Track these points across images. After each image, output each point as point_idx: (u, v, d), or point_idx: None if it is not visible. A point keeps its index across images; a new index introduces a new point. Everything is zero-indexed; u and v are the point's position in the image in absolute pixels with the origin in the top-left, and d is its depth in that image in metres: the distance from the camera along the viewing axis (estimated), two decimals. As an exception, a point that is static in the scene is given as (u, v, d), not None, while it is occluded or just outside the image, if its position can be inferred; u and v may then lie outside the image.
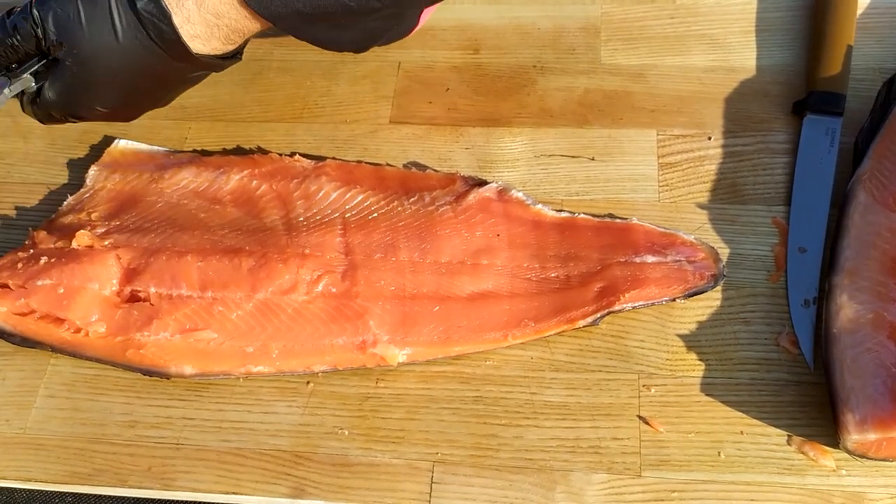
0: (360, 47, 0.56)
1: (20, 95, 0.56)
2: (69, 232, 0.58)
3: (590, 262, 0.56)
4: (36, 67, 0.53)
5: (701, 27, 0.69)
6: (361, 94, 0.68)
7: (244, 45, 0.54)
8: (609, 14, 0.70)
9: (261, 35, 0.71)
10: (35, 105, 0.56)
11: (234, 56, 0.54)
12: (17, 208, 0.64)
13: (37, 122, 0.61)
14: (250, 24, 0.50)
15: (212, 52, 0.51)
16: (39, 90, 0.54)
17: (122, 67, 0.51)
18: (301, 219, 0.59)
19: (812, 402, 0.51)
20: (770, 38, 0.67)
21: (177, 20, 0.49)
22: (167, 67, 0.51)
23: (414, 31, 0.59)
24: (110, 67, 0.51)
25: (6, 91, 0.54)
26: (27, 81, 0.54)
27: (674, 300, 0.55)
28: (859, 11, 0.66)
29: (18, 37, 0.51)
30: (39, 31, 0.50)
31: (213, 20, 0.49)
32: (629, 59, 0.67)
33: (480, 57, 0.69)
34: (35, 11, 0.50)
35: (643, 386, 0.53)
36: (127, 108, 0.55)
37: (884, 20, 0.67)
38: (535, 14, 0.71)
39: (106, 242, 0.58)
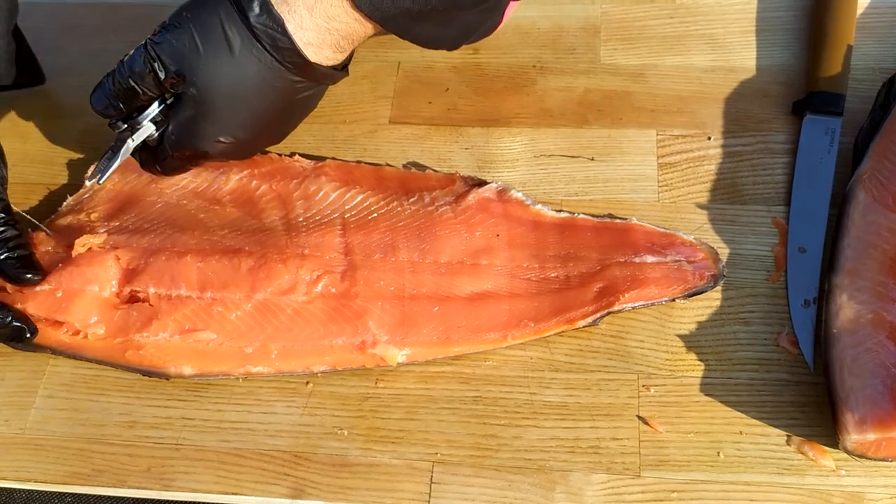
0: (455, 44, 0.56)
1: (140, 152, 0.55)
2: (69, 232, 0.59)
3: (589, 263, 0.56)
4: (156, 113, 0.53)
5: (701, 27, 0.69)
6: (361, 94, 0.68)
7: (350, 58, 0.54)
8: (609, 14, 0.70)
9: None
10: (157, 153, 0.55)
11: (344, 68, 0.54)
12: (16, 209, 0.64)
13: (37, 122, 0.62)
14: (360, 28, 0.50)
15: (324, 62, 0.52)
16: (159, 139, 0.54)
17: (242, 87, 0.51)
18: (300, 219, 0.59)
19: (811, 402, 0.51)
20: (770, 37, 0.67)
21: (290, 27, 0.49)
22: (283, 83, 0.51)
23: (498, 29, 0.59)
24: (232, 88, 0.51)
25: (129, 141, 0.54)
26: (148, 129, 0.54)
27: (673, 300, 0.55)
28: (859, 11, 0.66)
29: (136, 77, 0.51)
30: (157, 65, 0.50)
31: (325, 24, 0.49)
32: (629, 59, 0.67)
33: (480, 57, 0.69)
34: (150, 48, 0.50)
35: (643, 386, 0.53)
36: (248, 140, 0.55)
37: (884, 20, 0.67)
38: (535, 14, 0.71)
39: (104, 241, 0.58)
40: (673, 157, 0.62)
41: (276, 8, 0.49)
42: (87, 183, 0.55)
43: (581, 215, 0.58)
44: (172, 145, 0.54)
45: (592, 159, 0.62)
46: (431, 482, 0.51)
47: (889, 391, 0.47)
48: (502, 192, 0.59)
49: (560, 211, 0.59)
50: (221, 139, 0.53)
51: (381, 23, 0.49)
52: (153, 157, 0.56)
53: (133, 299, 0.56)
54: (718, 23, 0.69)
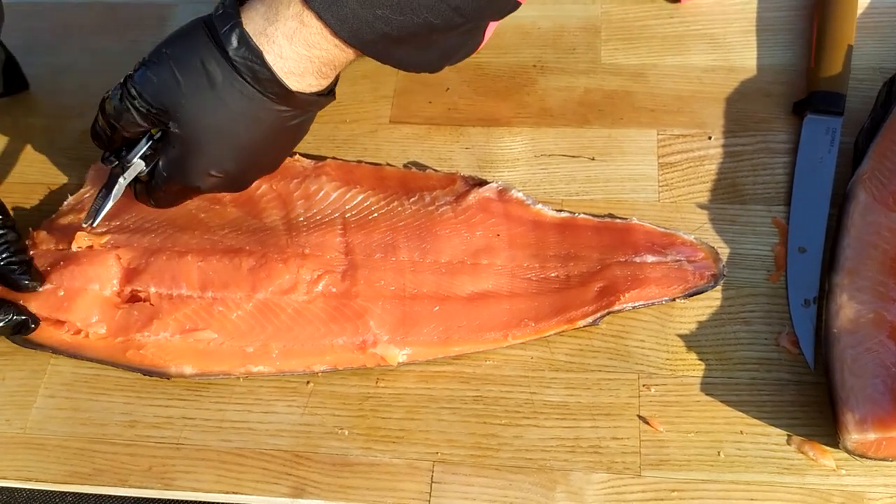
0: (438, 67, 0.56)
1: (133, 184, 0.55)
2: (69, 232, 0.59)
3: (590, 262, 0.56)
4: (144, 150, 0.53)
5: (701, 27, 0.69)
6: (361, 93, 0.68)
7: (336, 82, 0.54)
8: (609, 14, 0.70)
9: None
10: (150, 187, 0.55)
11: (329, 93, 0.54)
12: (16, 209, 0.64)
13: (37, 122, 0.61)
14: (341, 55, 0.50)
15: (307, 90, 0.51)
16: (152, 173, 0.54)
17: (226, 121, 0.51)
18: (301, 219, 0.59)
19: (812, 401, 0.51)
20: (770, 37, 0.67)
21: (269, 58, 0.49)
22: (268, 113, 0.51)
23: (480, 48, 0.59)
24: (216, 123, 0.51)
25: (121, 179, 0.54)
26: (138, 166, 0.54)
27: (674, 300, 0.55)
28: (859, 11, 0.66)
29: (117, 115, 0.51)
30: (139, 102, 0.50)
31: (305, 53, 0.49)
32: (629, 59, 0.67)
33: (480, 56, 0.69)
34: (130, 86, 0.50)
35: (643, 386, 0.53)
36: (239, 172, 0.55)
37: (884, 20, 0.67)
38: (536, 14, 0.71)
39: (105, 240, 0.58)
40: (673, 157, 0.62)
41: (254, 40, 0.48)
42: (84, 225, 0.55)
43: (581, 215, 0.58)
44: (163, 181, 0.54)
45: (593, 159, 0.62)
46: (432, 481, 0.51)
47: (889, 391, 0.47)
48: (503, 192, 0.59)
49: (560, 211, 0.59)
50: (212, 173, 0.53)
51: (361, 49, 0.49)
52: (146, 191, 0.56)
53: (134, 299, 0.56)
54: (719, 23, 0.69)
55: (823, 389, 0.50)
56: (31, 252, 0.57)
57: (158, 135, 0.52)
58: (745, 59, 0.66)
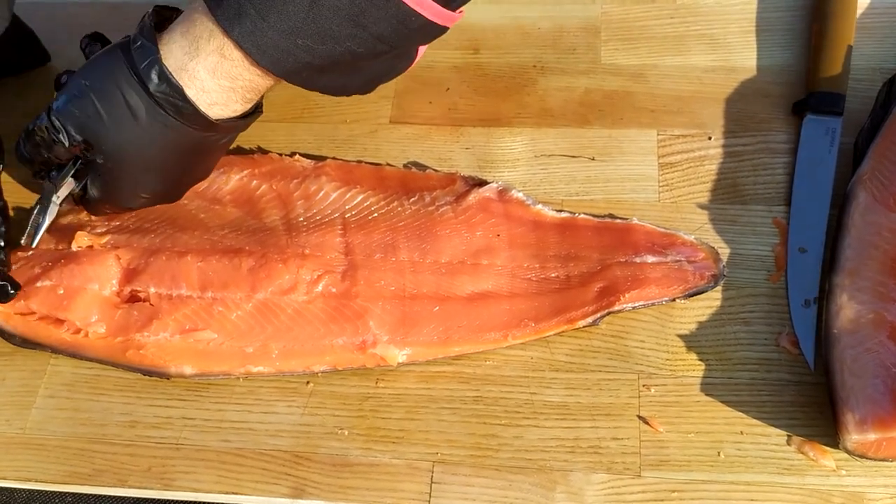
0: (367, 90, 0.56)
1: (68, 197, 0.56)
2: (69, 232, 0.58)
3: (590, 263, 0.56)
4: (74, 169, 0.54)
5: (701, 27, 0.69)
6: (361, 94, 0.68)
7: (262, 99, 0.54)
8: (609, 14, 0.70)
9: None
10: (83, 202, 0.56)
11: (255, 111, 0.54)
12: (17, 208, 0.64)
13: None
14: (264, 82, 0.50)
15: (233, 115, 0.51)
16: (85, 188, 0.55)
17: (151, 152, 0.51)
18: (301, 219, 0.59)
19: (812, 402, 0.51)
20: (770, 38, 0.67)
21: (191, 93, 0.49)
22: (194, 140, 0.51)
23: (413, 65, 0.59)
24: (140, 155, 0.51)
25: (54, 198, 0.55)
26: (70, 185, 0.54)
27: (674, 300, 0.55)
28: (859, 11, 0.66)
29: (44, 146, 0.52)
30: (62, 136, 0.50)
31: (228, 84, 0.49)
32: (629, 59, 0.67)
33: (481, 57, 0.69)
34: (53, 119, 0.50)
35: (643, 386, 0.53)
36: (169, 190, 0.55)
37: (884, 20, 0.67)
38: (536, 14, 0.71)
39: (105, 240, 0.58)
40: (673, 157, 0.62)
41: (174, 76, 0.48)
42: (23, 243, 0.56)
43: (582, 215, 0.58)
44: (95, 202, 0.55)
45: (593, 159, 0.62)
46: (432, 482, 0.51)
47: (890, 391, 0.47)
48: (503, 192, 0.59)
49: (561, 211, 0.59)
50: (141, 195, 0.54)
51: (284, 77, 0.49)
52: (81, 204, 0.57)
53: (134, 299, 0.56)
54: (719, 23, 0.69)
55: (823, 390, 0.50)
56: (30, 252, 0.57)
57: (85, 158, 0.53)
58: (745, 59, 0.66)
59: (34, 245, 0.56)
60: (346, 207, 0.60)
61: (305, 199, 0.60)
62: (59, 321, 0.55)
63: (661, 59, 0.67)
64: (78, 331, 0.55)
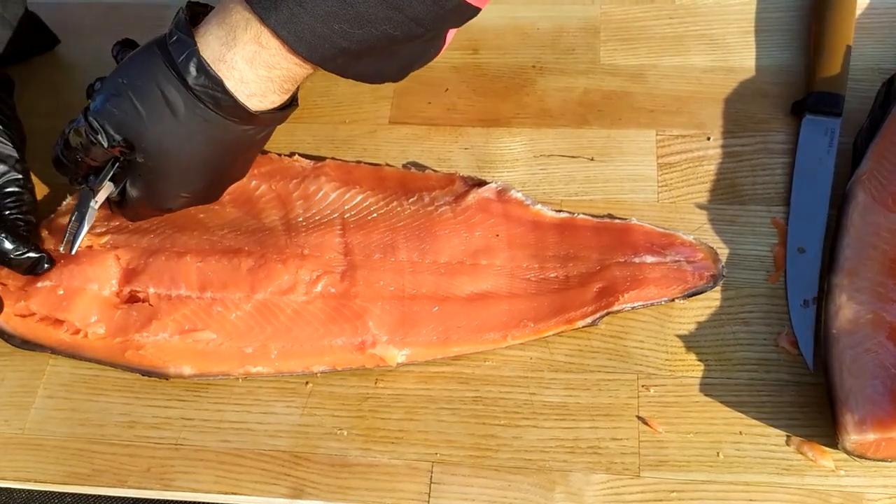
0: (400, 76, 0.56)
1: (106, 203, 0.56)
2: (68, 232, 0.58)
3: (589, 263, 0.56)
4: (112, 172, 0.53)
5: (700, 27, 0.69)
6: (361, 94, 0.68)
7: (297, 91, 0.54)
8: (608, 14, 0.70)
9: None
10: (123, 207, 0.56)
11: (292, 104, 0.54)
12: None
13: (36, 121, 0.61)
14: (302, 71, 0.50)
15: (271, 107, 0.51)
16: (123, 192, 0.54)
17: (191, 148, 0.50)
18: (300, 219, 0.59)
19: (811, 402, 0.51)
20: (769, 38, 0.67)
21: (230, 84, 0.48)
22: (233, 134, 0.51)
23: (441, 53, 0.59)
24: (181, 151, 0.50)
25: (92, 203, 0.54)
26: (108, 189, 0.54)
27: (673, 300, 0.55)
28: (858, 12, 0.66)
29: (82, 149, 0.51)
30: (101, 136, 0.50)
31: (266, 74, 0.49)
32: (628, 60, 0.67)
33: (480, 57, 0.69)
34: (91, 119, 0.50)
35: (642, 386, 0.53)
36: (209, 188, 0.55)
37: (883, 20, 0.67)
38: (535, 14, 0.71)
39: (104, 240, 0.58)
40: (672, 158, 0.62)
41: (213, 68, 0.48)
42: (61, 250, 0.56)
43: (581, 215, 0.58)
44: (134, 206, 0.54)
45: (592, 159, 0.62)
46: (431, 482, 0.51)
47: (888, 392, 0.47)
48: (502, 192, 0.59)
49: (560, 211, 0.59)
50: (182, 195, 0.54)
51: (320, 64, 0.49)
52: (119, 209, 0.57)
53: (133, 299, 0.56)
54: (718, 23, 0.69)
55: (822, 390, 0.50)
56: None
57: (123, 159, 0.52)
58: (744, 59, 0.66)
59: (73, 252, 0.56)
60: (346, 208, 0.60)
61: (305, 200, 0.60)
62: (59, 322, 0.55)
63: (660, 59, 0.67)
64: (77, 331, 0.55)
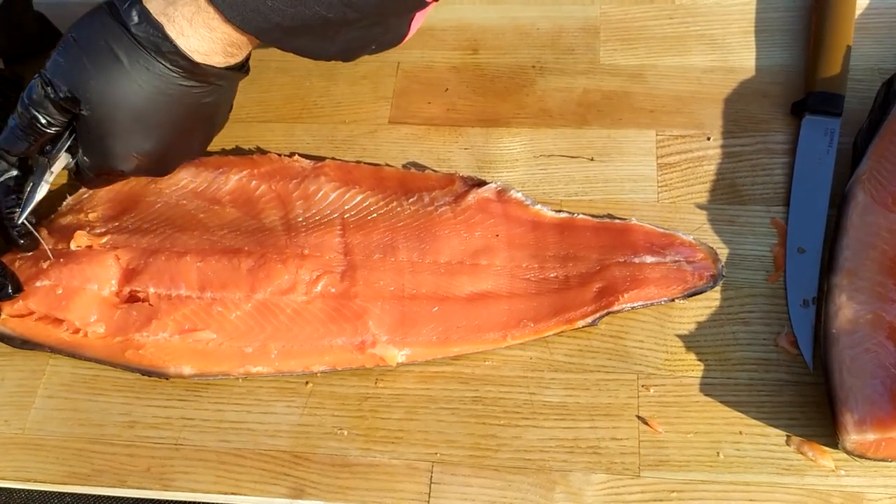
0: (346, 57, 0.56)
1: (68, 172, 0.56)
2: (68, 232, 0.59)
3: (589, 263, 0.56)
4: (69, 143, 0.54)
5: (700, 27, 0.69)
6: (360, 94, 0.68)
7: (248, 59, 0.54)
8: (608, 14, 0.70)
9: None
10: (81, 178, 0.56)
11: (241, 69, 0.54)
12: (16, 208, 0.64)
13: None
14: (242, 38, 0.50)
15: (216, 66, 0.51)
16: (78, 162, 0.55)
17: (135, 98, 0.51)
18: (300, 219, 0.59)
19: (811, 402, 0.51)
20: (769, 38, 0.67)
21: (171, 33, 0.49)
22: (178, 89, 0.51)
23: (407, 39, 0.58)
24: (125, 101, 0.51)
25: (48, 174, 0.54)
26: (65, 159, 0.54)
27: (673, 300, 0.55)
28: (858, 12, 0.66)
29: (36, 105, 0.51)
30: (50, 89, 0.50)
31: (208, 34, 0.50)
32: (628, 60, 0.67)
33: (479, 57, 0.69)
34: (44, 72, 0.51)
35: (642, 386, 0.53)
36: (159, 152, 0.55)
37: (882, 20, 0.67)
38: (535, 14, 0.71)
39: (104, 240, 0.58)
40: (672, 158, 0.62)
41: (154, 16, 0.49)
42: (17, 220, 0.56)
43: (580, 215, 0.58)
44: (87, 168, 0.54)
45: (592, 159, 0.62)
46: (431, 482, 0.51)
47: (888, 391, 0.47)
48: (502, 193, 0.59)
49: (559, 211, 0.59)
50: (132, 154, 0.53)
51: (256, 35, 0.49)
52: (77, 179, 0.57)
53: (133, 299, 0.56)
54: (718, 23, 0.69)
55: (822, 390, 0.50)
56: (30, 252, 0.58)
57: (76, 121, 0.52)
58: (743, 59, 0.66)
59: (19, 222, 0.56)
60: (345, 208, 0.60)
61: (304, 200, 0.60)
62: (58, 321, 0.55)
63: (659, 59, 0.67)
64: (77, 331, 0.55)
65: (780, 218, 0.58)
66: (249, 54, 0.54)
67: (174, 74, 0.50)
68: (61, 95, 0.50)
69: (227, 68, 0.52)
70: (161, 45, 0.49)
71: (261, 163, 0.62)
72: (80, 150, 0.54)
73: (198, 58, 0.50)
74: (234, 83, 0.55)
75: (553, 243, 0.57)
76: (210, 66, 0.51)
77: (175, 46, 0.49)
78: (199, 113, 0.54)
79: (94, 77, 0.50)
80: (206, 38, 0.50)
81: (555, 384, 0.53)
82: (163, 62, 0.50)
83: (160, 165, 0.56)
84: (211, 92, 0.53)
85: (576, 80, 0.67)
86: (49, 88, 0.50)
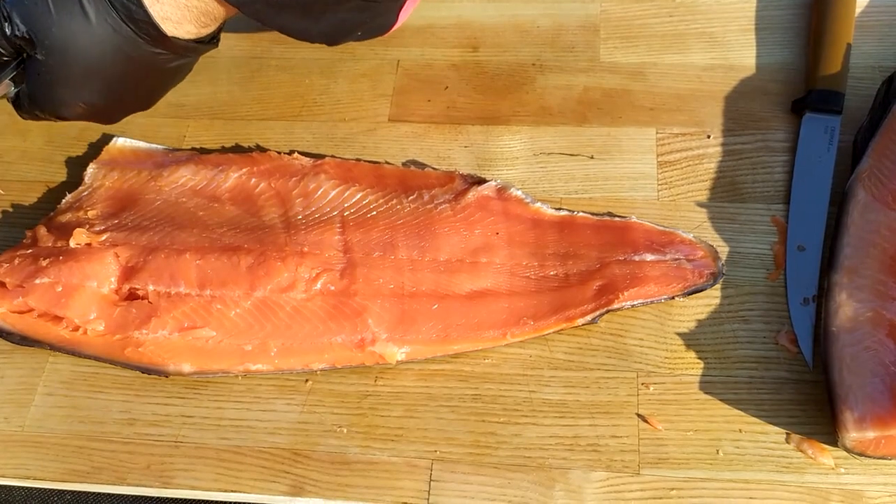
0: (330, 40, 0.54)
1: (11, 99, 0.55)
2: (68, 230, 0.58)
3: (589, 261, 0.56)
4: (13, 73, 0.52)
5: (700, 25, 0.69)
6: (360, 92, 0.68)
7: (220, 31, 0.53)
8: (608, 12, 0.70)
9: (259, 32, 0.71)
10: (18, 107, 0.55)
11: (211, 41, 0.53)
12: (15, 206, 0.64)
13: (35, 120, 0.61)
14: (220, 8, 0.49)
15: (186, 36, 0.50)
16: (19, 93, 0.54)
17: (95, 55, 0.49)
18: (300, 217, 0.59)
19: (811, 400, 0.51)
20: (769, 36, 0.67)
21: (146, 0, 0.48)
22: (143, 54, 0.50)
23: (394, 29, 0.57)
24: (84, 55, 0.49)
25: None
26: (6, 87, 0.53)
27: (673, 298, 0.55)
28: (858, 9, 0.66)
29: None
30: (7, 26, 0.49)
31: (184, 2, 0.48)
32: (628, 57, 0.67)
33: (479, 55, 0.69)
34: (2, 4, 0.49)
35: (642, 384, 0.53)
36: (108, 106, 0.54)
37: (883, 18, 0.67)
38: (535, 12, 0.71)
39: (103, 238, 0.58)
40: (672, 156, 0.62)
41: None
42: None
43: (580, 213, 0.58)
44: (30, 105, 0.53)
45: (592, 157, 0.62)
46: (430, 480, 0.51)
47: (888, 389, 0.47)
48: (502, 190, 0.59)
49: (559, 209, 0.59)
50: (78, 104, 0.52)
51: (238, 7, 0.48)
52: (16, 108, 0.55)
53: (132, 296, 0.56)
54: (718, 21, 0.69)
55: (822, 388, 0.50)
56: (30, 249, 0.57)
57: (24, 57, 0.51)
58: (744, 57, 0.66)
59: None
60: (345, 205, 0.59)
61: (304, 198, 0.60)
62: (58, 318, 0.55)
63: (660, 57, 0.67)
64: (76, 328, 0.55)
65: (780, 216, 0.58)
66: (222, 25, 0.52)
67: (140, 40, 0.49)
68: (17, 34, 0.49)
69: (197, 40, 0.51)
70: (134, 13, 0.48)
71: (260, 160, 0.62)
72: (25, 86, 0.52)
73: (168, 27, 0.49)
74: (199, 54, 0.54)
75: (553, 241, 0.57)
76: (179, 38, 0.50)
77: (147, 15, 0.48)
78: (158, 75, 0.53)
79: (55, 25, 0.48)
80: (180, 6, 0.48)
81: (554, 382, 0.53)
82: (131, 26, 0.48)
83: (105, 116, 0.55)
84: (176, 59, 0.52)
85: (576, 77, 0.67)
86: (6, 23, 0.48)
